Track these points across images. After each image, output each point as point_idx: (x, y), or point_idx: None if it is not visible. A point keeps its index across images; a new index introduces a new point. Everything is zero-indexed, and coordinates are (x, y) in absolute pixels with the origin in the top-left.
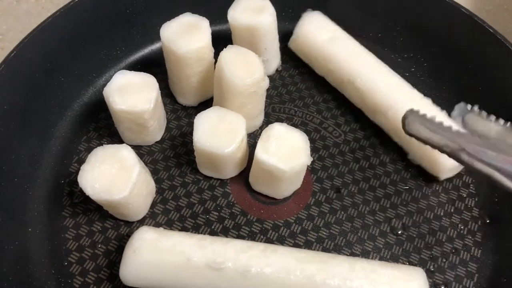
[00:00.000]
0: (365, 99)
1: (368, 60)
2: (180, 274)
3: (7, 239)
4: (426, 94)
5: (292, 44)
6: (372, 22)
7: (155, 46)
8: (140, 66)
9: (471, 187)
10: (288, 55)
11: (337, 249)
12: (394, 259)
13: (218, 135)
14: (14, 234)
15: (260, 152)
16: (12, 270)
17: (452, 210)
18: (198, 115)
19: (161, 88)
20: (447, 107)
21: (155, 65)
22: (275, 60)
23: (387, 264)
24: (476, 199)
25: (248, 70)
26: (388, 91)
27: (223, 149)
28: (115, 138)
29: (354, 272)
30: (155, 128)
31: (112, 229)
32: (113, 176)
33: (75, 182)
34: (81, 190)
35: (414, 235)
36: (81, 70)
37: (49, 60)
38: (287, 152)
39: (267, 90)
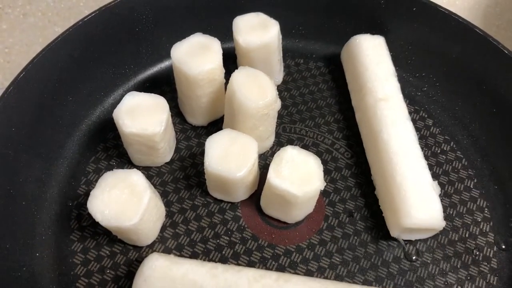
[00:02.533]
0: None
1: (402, 117)
2: None
3: (15, 265)
4: (438, 113)
5: (346, 50)
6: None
7: (164, 64)
8: (149, 84)
9: (486, 212)
10: (297, 72)
11: (350, 276)
12: (408, 285)
13: (229, 158)
14: (22, 259)
15: (273, 177)
16: None
17: (466, 235)
18: (210, 138)
19: (170, 107)
20: (461, 129)
21: (164, 84)
22: (281, 72)
23: None
24: (491, 223)
25: (261, 92)
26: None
27: (234, 173)
28: (124, 159)
29: None
30: (165, 150)
31: (121, 254)
32: (123, 202)
33: (83, 205)
34: (89, 215)
35: (428, 261)
36: (90, 89)
37: (58, 79)
38: (300, 177)
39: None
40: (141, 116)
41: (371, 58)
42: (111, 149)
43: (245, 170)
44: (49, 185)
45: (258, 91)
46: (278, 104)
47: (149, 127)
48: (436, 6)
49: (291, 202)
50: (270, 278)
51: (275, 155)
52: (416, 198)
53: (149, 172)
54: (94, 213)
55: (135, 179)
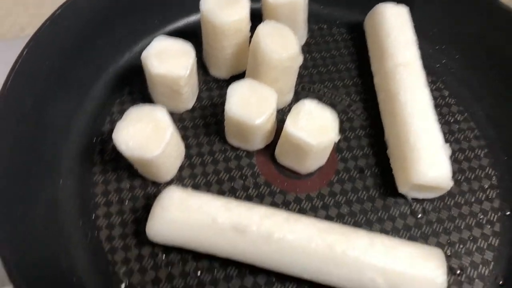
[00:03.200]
0: (392, 105)
1: (420, 82)
2: (205, 234)
3: (40, 189)
4: (455, 86)
5: (370, 17)
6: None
7: (191, 19)
8: (176, 35)
9: (493, 180)
10: (320, 36)
11: (357, 226)
12: (412, 240)
13: (249, 106)
14: (46, 184)
15: (290, 125)
16: (43, 219)
17: (473, 200)
18: (232, 85)
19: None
20: (476, 102)
21: (190, 37)
22: (305, 32)
23: (407, 242)
24: (498, 191)
25: (285, 45)
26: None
27: (253, 120)
28: (148, 102)
29: (374, 246)
30: (188, 96)
31: (140, 188)
32: (147, 135)
33: (107, 141)
34: (112, 149)
35: (433, 220)
36: (120, 36)
37: (89, 24)
38: (316, 128)
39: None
40: (168, 59)
41: (394, 26)
42: (136, 93)
43: (263, 118)
44: (76, 120)
45: (282, 43)
46: (300, 59)
47: (175, 69)
48: None
49: (305, 151)
50: (280, 216)
51: (293, 107)
52: (427, 157)
53: (171, 117)
54: (119, 144)
55: (159, 115)
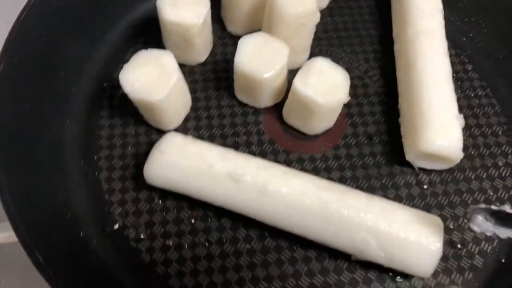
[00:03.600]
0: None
1: (440, 51)
2: (200, 180)
3: (46, 128)
4: (481, 61)
5: None
6: None
7: None
8: None
9: (509, 158)
10: (344, 1)
11: None
12: None
13: (259, 59)
14: (53, 124)
15: (298, 83)
16: (47, 156)
17: (484, 176)
18: (244, 37)
19: (212, 15)
20: (500, 78)
21: None
22: None
23: (406, 207)
24: None
25: (301, 1)
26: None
27: (261, 73)
28: None
29: (370, 208)
30: (200, 47)
31: (144, 135)
32: (153, 78)
33: (117, 87)
34: (121, 95)
35: (439, 192)
36: None
37: None
38: (325, 87)
39: (316, 32)
40: (182, 7)
41: None
42: (151, 44)
43: (272, 73)
44: (89, 64)
45: None
46: (317, 17)
47: (188, 17)
48: None
49: (312, 110)
50: (278, 169)
51: (304, 64)
52: (437, 125)
53: (182, 69)
54: (125, 85)
55: (166, 59)
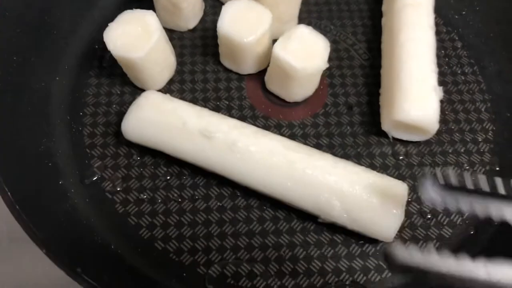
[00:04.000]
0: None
1: (424, 23)
2: (173, 136)
3: (35, 80)
4: (472, 39)
5: None
6: None
7: None
8: None
9: (489, 134)
10: None
11: None
12: None
13: (242, 24)
14: (43, 77)
15: (278, 48)
16: (34, 107)
17: (462, 150)
18: (228, 2)
19: None
20: (488, 57)
21: None
22: None
23: (372, 171)
24: (492, 146)
25: None
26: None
27: (242, 38)
28: None
29: (336, 169)
30: (189, 13)
31: (129, 95)
32: (135, 37)
33: (107, 49)
34: (110, 57)
35: (415, 164)
36: None
37: None
38: (304, 53)
39: (308, 4)
40: None
41: None
42: (144, 8)
43: (253, 37)
44: (82, 26)
45: None
46: None
47: None
48: None
49: (291, 76)
50: (249, 129)
51: (286, 31)
52: (414, 95)
53: (172, 34)
54: (108, 42)
55: (149, 19)
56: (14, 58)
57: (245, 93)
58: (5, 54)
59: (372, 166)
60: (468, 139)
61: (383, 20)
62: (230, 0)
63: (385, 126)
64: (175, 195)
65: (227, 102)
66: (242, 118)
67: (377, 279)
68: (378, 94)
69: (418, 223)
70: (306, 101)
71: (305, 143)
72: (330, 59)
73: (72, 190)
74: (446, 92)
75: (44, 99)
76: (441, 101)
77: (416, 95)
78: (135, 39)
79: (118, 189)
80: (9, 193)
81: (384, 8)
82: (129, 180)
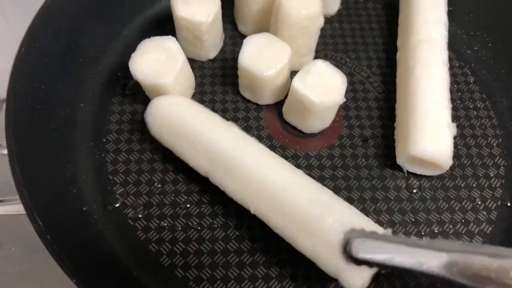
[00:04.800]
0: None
1: (439, 60)
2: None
3: (60, 106)
4: (483, 75)
5: None
6: None
7: None
8: None
9: (501, 170)
10: (354, 9)
11: (348, 190)
12: (401, 212)
13: (262, 58)
14: (68, 103)
15: (297, 82)
16: (59, 134)
17: (474, 185)
18: (249, 37)
19: (227, 15)
20: (501, 93)
21: None
22: (337, 1)
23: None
24: (503, 181)
25: (306, 4)
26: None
27: (263, 71)
28: None
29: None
30: (210, 44)
31: None
32: (160, 63)
33: (130, 77)
34: (133, 84)
35: (428, 197)
36: None
37: None
38: (322, 87)
39: (324, 37)
40: (194, 5)
41: (426, 4)
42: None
43: (273, 71)
44: (106, 53)
45: (303, 2)
46: (320, 21)
47: (197, 15)
48: None
49: (308, 109)
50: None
51: (305, 65)
52: (428, 131)
53: (193, 64)
54: (135, 72)
55: (171, 45)
56: (43, 87)
57: (263, 123)
58: (34, 83)
59: (387, 199)
60: (480, 174)
61: (398, 55)
62: (250, 35)
63: (400, 160)
64: (195, 223)
65: (246, 131)
66: None
67: None
68: (393, 128)
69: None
70: (323, 132)
71: (322, 174)
72: (345, 91)
73: (96, 216)
74: (458, 126)
75: (69, 126)
76: (454, 136)
77: (430, 132)
78: (162, 65)
79: (140, 216)
80: (40, 222)
81: (399, 43)
82: (151, 207)
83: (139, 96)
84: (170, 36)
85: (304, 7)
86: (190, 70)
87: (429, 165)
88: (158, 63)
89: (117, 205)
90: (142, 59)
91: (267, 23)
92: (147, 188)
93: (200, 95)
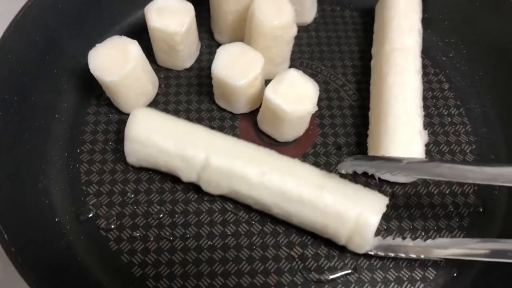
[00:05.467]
0: (380, 85)
1: (412, 68)
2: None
3: (35, 116)
4: (458, 81)
5: (381, 1)
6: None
7: None
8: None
9: None
10: (331, 17)
11: None
12: None
13: (235, 67)
14: (42, 114)
15: (270, 91)
16: (31, 145)
17: (447, 192)
18: (222, 46)
19: (204, 24)
20: (475, 99)
21: (205, 3)
22: (312, 10)
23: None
24: (475, 188)
25: (278, 14)
26: (398, 102)
27: (236, 80)
28: (150, 58)
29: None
30: (185, 54)
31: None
32: (114, 61)
33: None
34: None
35: (401, 205)
36: None
37: None
38: (294, 96)
39: (300, 45)
40: (168, 15)
41: (400, 12)
42: (142, 48)
43: (246, 80)
44: (82, 63)
45: (276, 12)
46: (294, 30)
47: (171, 25)
48: None
49: (281, 118)
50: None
51: (277, 74)
52: (399, 139)
53: (169, 73)
54: (90, 60)
55: (130, 47)
56: (15, 98)
57: (238, 132)
58: (6, 94)
59: None
60: (453, 181)
61: (372, 63)
62: (224, 44)
63: None
64: (167, 233)
65: None
66: None
67: None
68: (367, 136)
69: (403, 265)
70: (297, 140)
71: None
72: (320, 100)
73: (68, 227)
74: (432, 133)
75: (43, 137)
76: (428, 143)
77: (401, 139)
78: (113, 63)
79: (112, 226)
80: (4, 234)
81: (373, 50)
82: (123, 218)
83: (113, 106)
84: (134, 41)
85: (276, 17)
86: (145, 79)
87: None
88: (111, 60)
89: (90, 215)
90: (100, 51)
91: (243, 32)
92: (120, 199)
93: (175, 104)
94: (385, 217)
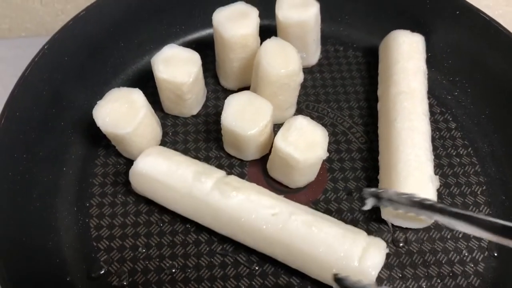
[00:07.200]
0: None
1: (419, 111)
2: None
3: (43, 173)
4: (464, 119)
5: (384, 42)
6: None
7: (210, 31)
8: (195, 45)
9: None
10: (335, 58)
11: None
12: (387, 268)
13: (244, 117)
14: (50, 170)
15: (279, 140)
16: (42, 202)
17: (460, 236)
18: (230, 96)
19: (209, 69)
20: (482, 138)
21: (210, 48)
22: (317, 53)
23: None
24: None
25: (284, 62)
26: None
27: (246, 130)
28: (156, 105)
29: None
30: (192, 102)
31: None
32: (122, 113)
33: None
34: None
35: (414, 251)
36: (141, 40)
37: (114, 26)
38: (304, 144)
39: (305, 88)
40: (174, 66)
41: (404, 53)
42: (148, 95)
43: (256, 130)
44: (88, 114)
45: (282, 60)
46: (300, 77)
47: (179, 76)
48: (478, 12)
49: (292, 166)
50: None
51: (285, 121)
52: (411, 186)
53: (176, 121)
54: (97, 119)
55: (135, 97)
56: (24, 156)
57: (247, 179)
58: (15, 153)
59: None
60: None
61: (379, 105)
62: (233, 89)
63: (385, 214)
64: None
65: None
66: None
67: None
68: (377, 180)
69: None
70: (307, 186)
71: None
72: (328, 143)
73: (80, 286)
74: (442, 175)
75: (52, 192)
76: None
77: (413, 186)
78: (123, 115)
79: (124, 283)
80: None
81: (379, 93)
82: (135, 274)
83: (121, 156)
84: (137, 89)
85: (283, 66)
86: (155, 123)
87: (414, 218)
88: (119, 113)
89: (101, 272)
90: (105, 107)
91: (249, 78)
92: (132, 254)
93: (184, 152)
94: (400, 265)
